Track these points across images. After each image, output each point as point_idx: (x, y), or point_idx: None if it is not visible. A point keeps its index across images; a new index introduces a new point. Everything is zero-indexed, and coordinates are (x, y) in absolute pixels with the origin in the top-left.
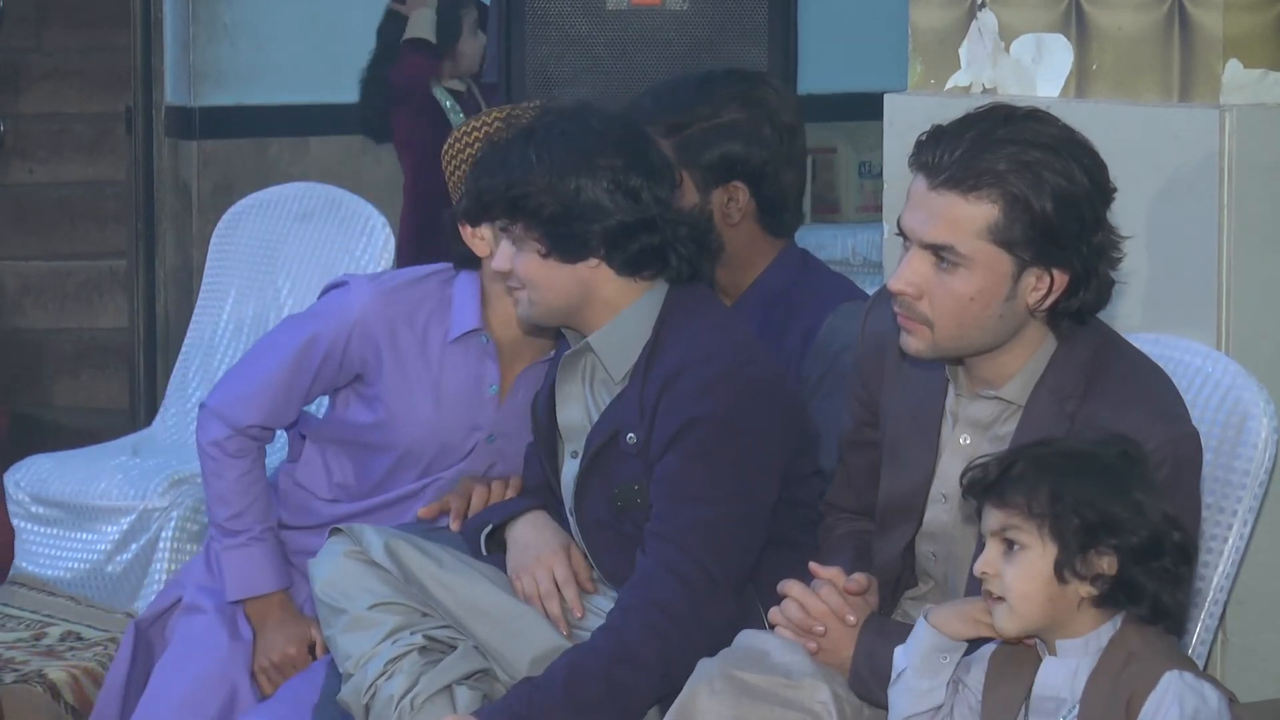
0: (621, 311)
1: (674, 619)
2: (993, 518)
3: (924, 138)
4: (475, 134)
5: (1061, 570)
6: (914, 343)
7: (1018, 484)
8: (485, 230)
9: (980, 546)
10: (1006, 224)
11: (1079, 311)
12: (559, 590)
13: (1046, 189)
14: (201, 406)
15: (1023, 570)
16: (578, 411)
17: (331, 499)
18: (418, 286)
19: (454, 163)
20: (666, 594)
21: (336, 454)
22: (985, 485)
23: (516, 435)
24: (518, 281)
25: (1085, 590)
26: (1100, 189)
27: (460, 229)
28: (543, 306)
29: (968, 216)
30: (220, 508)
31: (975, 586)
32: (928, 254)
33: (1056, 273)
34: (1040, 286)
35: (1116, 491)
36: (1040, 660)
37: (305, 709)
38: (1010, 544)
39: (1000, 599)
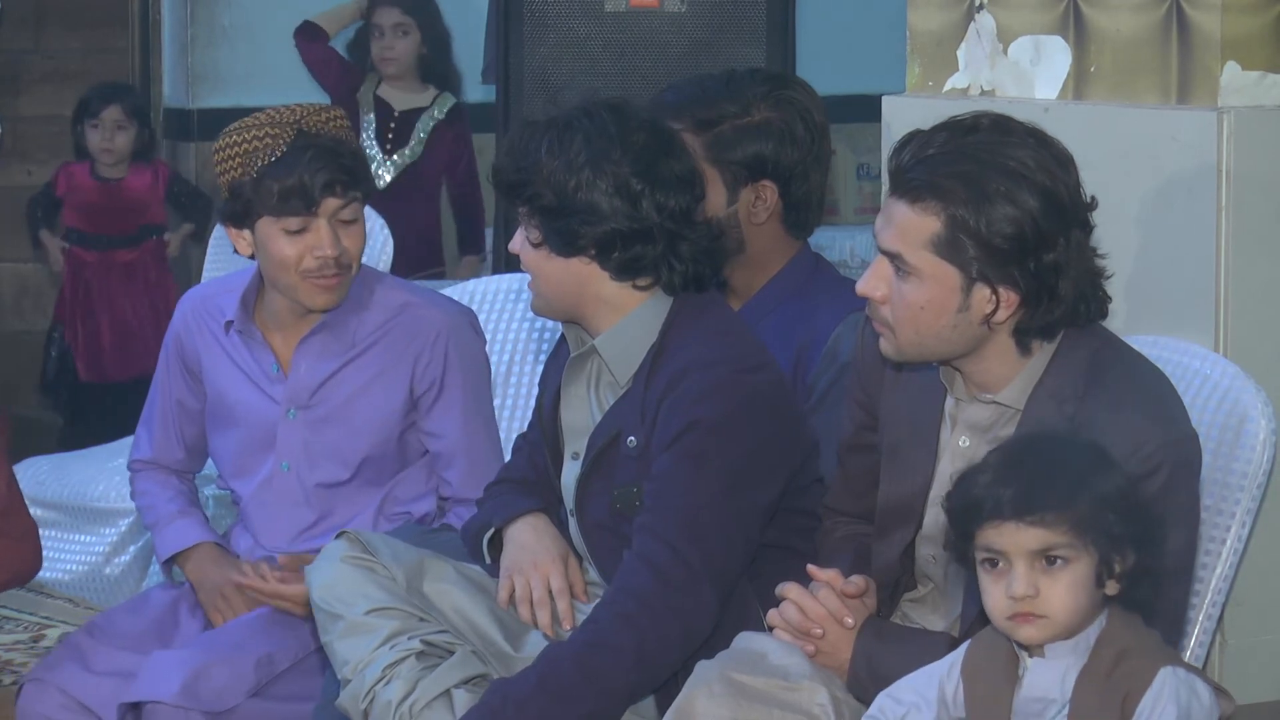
0: (628, 315)
1: (645, 606)
2: (1027, 538)
3: (898, 142)
4: (253, 140)
5: (1102, 574)
6: (883, 344)
7: (1051, 500)
8: (248, 233)
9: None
10: (949, 239)
11: (1045, 328)
12: (552, 599)
13: (987, 209)
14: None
15: (1070, 583)
16: (581, 413)
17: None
18: (229, 282)
19: (225, 162)
20: (638, 582)
21: (213, 441)
22: (1007, 507)
23: (319, 408)
24: (524, 268)
25: (1114, 588)
26: (1057, 211)
27: (225, 228)
28: (543, 298)
29: (914, 227)
30: (149, 515)
31: (976, 590)
32: (888, 260)
33: (1003, 290)
34: (991, 301)
35: (1122, 478)
36: (1018, 662)
37: (218, 650)
38: (1051, 560)
39: (1039, 617)
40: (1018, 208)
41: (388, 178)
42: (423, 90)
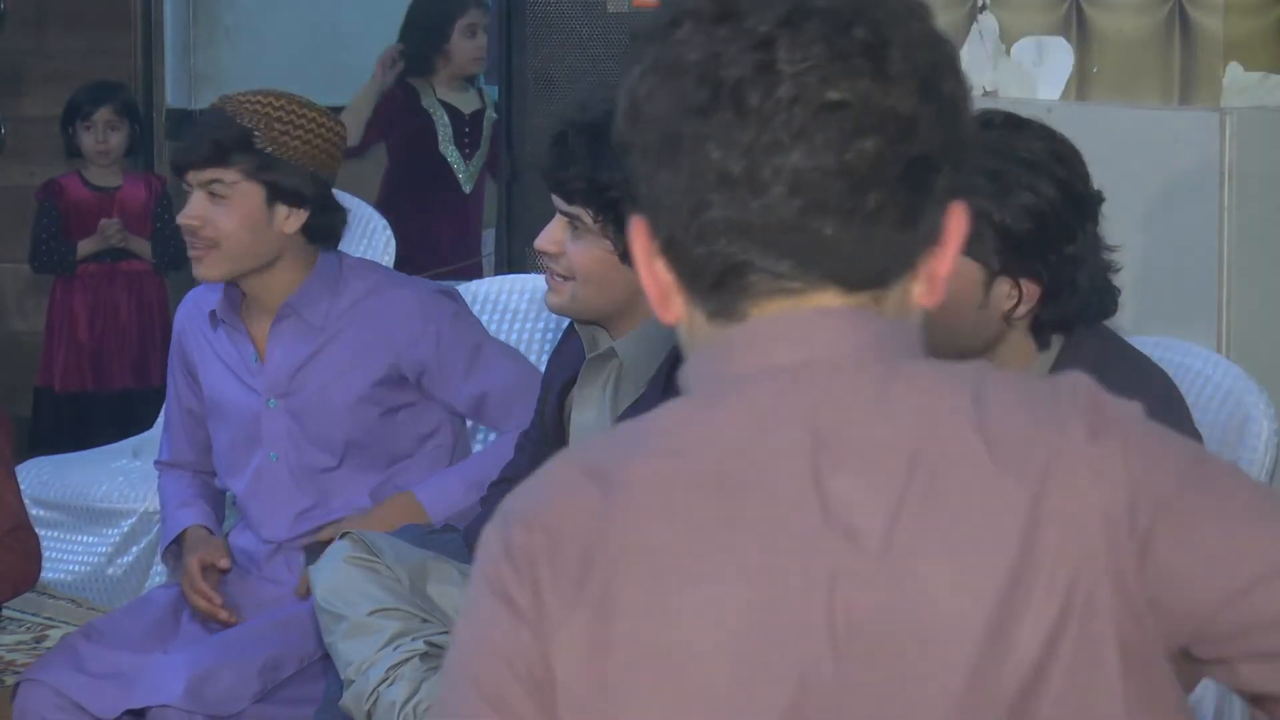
0: (649, 319)
1: None
2: None
3: None
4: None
5: None
6: None
7: None
8: None
9: None
10: (972, 233)
11: (1063, 321)
12: None
13: (1008, 202)
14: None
15: None
16: (592, 415)
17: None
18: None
19: None
20: None
21: (212, 439)
22: None
23: (297, 395)
24: (568, 271)
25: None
26: (1074, 201)
27: None
28: (585, 303)
29: None
30: (162, 511)
31: None
32: None
33: (1025, 283)
34: (1012, 296)
35: None
36: None
37: (220, 653)
38: None
39: None
40: (1039, 197)
41: (469, 187)
42: (468, 89)
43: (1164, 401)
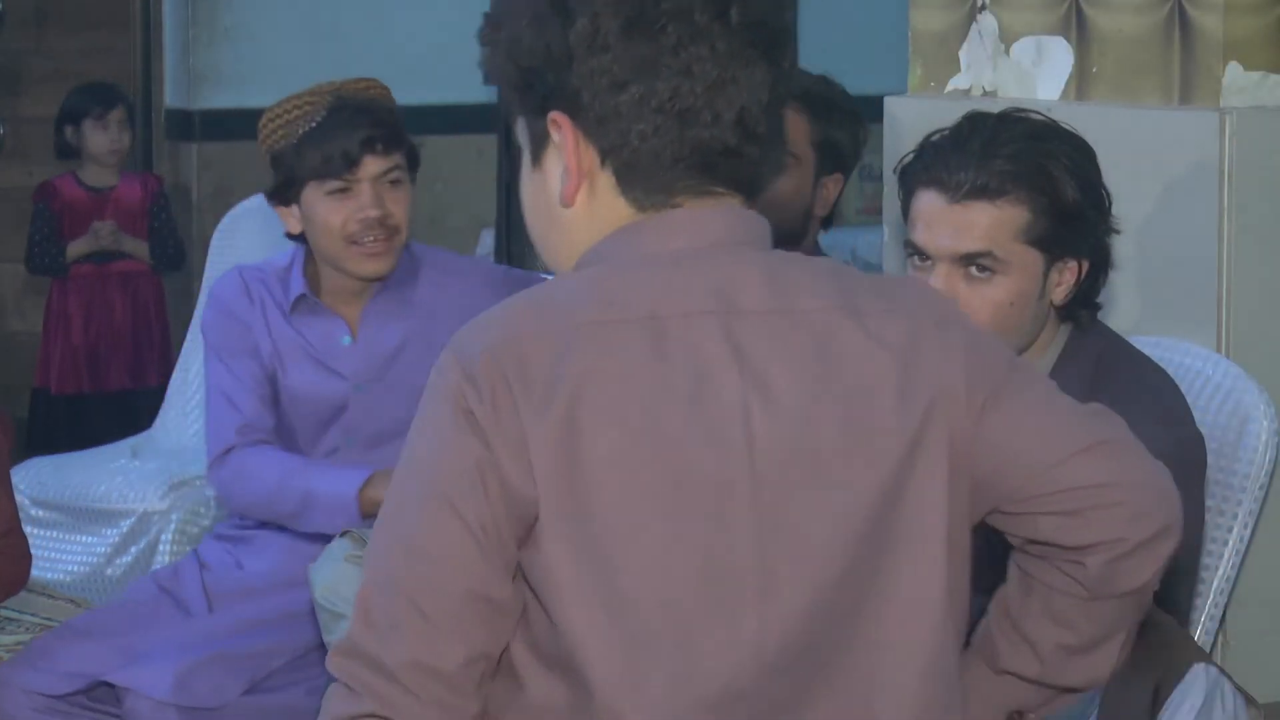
0: None
1: None
2: None
3: (922, 157)
4: (294, 110)
5: None
6: None
7: None
8: (296, 209)
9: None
10: (1034, 221)
11: (1094, 299)
12: None
13: (1066, 177)
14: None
15: None
16: None
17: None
18: (267, 267)
19: (269, 136)
20: None
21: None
22: None
23: (380, 381)
24: None
25: None
26: (1099, 169)
27: (274, 207)
28: None
29: (1000, 221)
30: (294, 480)
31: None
32: (958, 268)
33: (1082, 261)
34: (1065, 279)
35: None
36: None
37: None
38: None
39: None
40: (1083, 175)
41: None
42: None
43: (1165, 401)
